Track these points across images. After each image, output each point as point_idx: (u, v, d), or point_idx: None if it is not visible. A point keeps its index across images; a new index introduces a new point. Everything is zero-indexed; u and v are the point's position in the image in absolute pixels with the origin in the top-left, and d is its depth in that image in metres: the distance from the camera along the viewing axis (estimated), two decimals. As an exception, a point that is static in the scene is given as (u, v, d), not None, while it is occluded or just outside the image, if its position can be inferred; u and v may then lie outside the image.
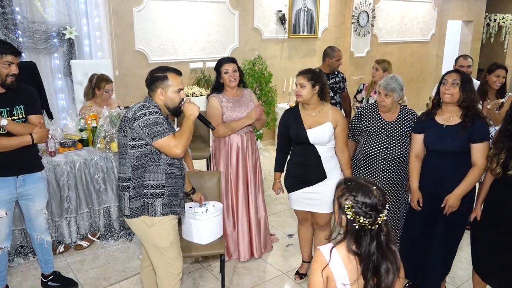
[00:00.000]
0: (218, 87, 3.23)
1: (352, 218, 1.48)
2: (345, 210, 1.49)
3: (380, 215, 1.47)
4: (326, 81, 2.88)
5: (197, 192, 2.87)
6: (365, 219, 1.46)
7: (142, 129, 2.15)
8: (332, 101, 4.24)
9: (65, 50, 4.72)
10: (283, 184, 3.07)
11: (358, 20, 7.19)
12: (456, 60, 4.13)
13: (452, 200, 2.54)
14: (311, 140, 2.80)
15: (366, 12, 7.28)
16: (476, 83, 4.11)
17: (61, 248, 3.45)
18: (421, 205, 2.69)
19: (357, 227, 1.48)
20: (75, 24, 4.70)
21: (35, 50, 4.54)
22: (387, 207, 1.49)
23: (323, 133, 2.78)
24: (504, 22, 10.59)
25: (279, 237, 3.81)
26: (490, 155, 2.44)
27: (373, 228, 1.47)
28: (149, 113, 2.16)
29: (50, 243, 2.98)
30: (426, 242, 2.72)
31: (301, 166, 2.88)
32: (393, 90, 2.87)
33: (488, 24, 10.70)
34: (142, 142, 2.20)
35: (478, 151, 2.49)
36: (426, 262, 2.74)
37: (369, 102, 4.11)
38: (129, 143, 2.20)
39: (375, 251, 1.47)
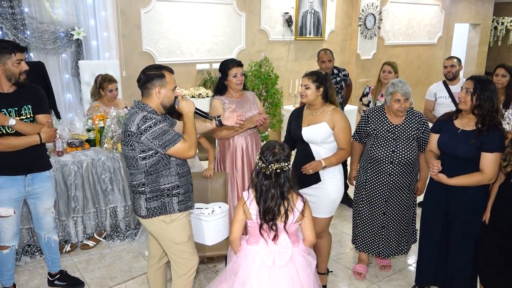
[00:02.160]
0: (222, 88, 3.23)
1: (257, 165, 2.17)
2: (257, 160, 2.17)
3: (272, 164, 2.11)
4: (331, 84, 2.86)
5: None
6: (262, 164, 2.14)
7: (152, 141, 2.17)
8: None
9: (73, 50, 4.75)
10: None
11: (365, 23, 7.18)
12: (444, 61, 4.32)
13: (442, 180, 2.55)
14: (305, 138, 2.81)
15: (373, 14, 7.26)
16: None
17: (67, 248, 3.47)
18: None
19: (258, 168, 2.17)
20: (83, 25, 4.74)
21: (44, 50, 4.57)
22: (285, 163, 2.13)
23: (316, 132, 2.77)
24: (512, 26, 10.53)
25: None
26: (504, 155, 2.43)
27: (266, 172, 2.14)
28: (153, 124, 2.17)
29: (57, 242, 3.00)
30: (444, 246, 2.71)
31: (298, 166, 2.82)
32: (410, 93, 2.92)
33: (495, 28, 10.64)
34: (152, 152, 2.23)
35: (487, 160, 2.46)
36: (450, 265, 2.71)
37: (377, 105, 4.10)
38: (139, 155, 2.23)
39: (265, 184, 2.14)
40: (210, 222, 2.85)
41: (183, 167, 2.38)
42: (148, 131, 2.16)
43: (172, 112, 2.41)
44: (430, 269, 2.81)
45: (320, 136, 2.77)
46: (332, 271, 3.21)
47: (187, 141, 2.23)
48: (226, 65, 3.17)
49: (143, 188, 2.28)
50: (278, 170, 2.13)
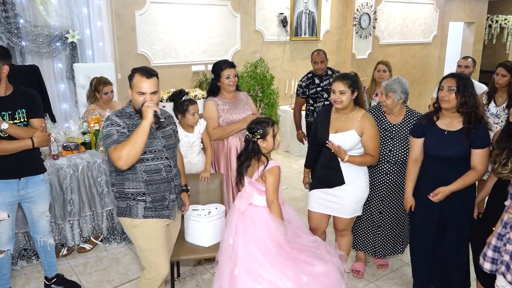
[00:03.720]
0: (215, 90, 3.21)
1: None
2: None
3: (250, 134, 2.45)
4: (361, 85, 2.77)
5: (185, 194, 2.66)
6: (248, 134, 2.47)
7: (103, 143, 2.24)
8: (326, 102, 4.21)
9: (68, 53, 4.75)
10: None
11: (359, 22, 7.20)
12: (459, 60, 4.17)
13: (442, 194, 2.52)
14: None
15: (368, 14, 7.29)
16: (479, 85, 4.11)
17: (64, 251, 3.46)
18: (413, 209, 2.70)
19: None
20: (77, 28, 4.73)
21: (38, 54, 4.56)
22: (258, 132, 2.43)
23: (345, 140, 2.66)
24: (506, 24, 10.57)
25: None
26: (493, 156, 2.41)
27: (249, 140, 2.47)
28: (105, 126, 2.21)
29: (53, 246, 2.99)
30: (436, 249, 2.69)
31: (323, 168, 2.81)
32: (393, 91, 2.85)
33: (490, 26, 10.69)
34: None
35: (478, 157, 2.45)
36: (444, 267, 2.71)
37: (372, 104, 4.11)
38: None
39: (246, 149, 2.50)
40: (207, 224, 2.84)
41: (154, 175, 2.28)
42: (102, 132, 2.23)
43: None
44: (426, 272, 2.78)
45: (348, 144, 2.66)
46: (349, 272, 3.20)
47: (117, 151, 2.09)
48: (219, 67, 3.15)
49: (113, 187, 2.35)
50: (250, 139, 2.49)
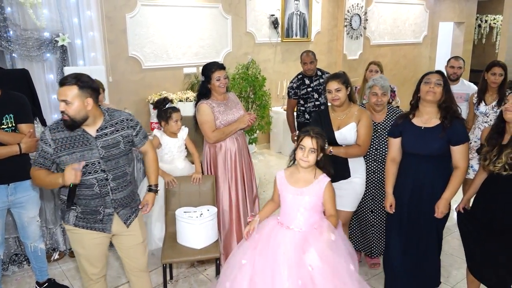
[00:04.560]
0: (206, 92, 3.17)
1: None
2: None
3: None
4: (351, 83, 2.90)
5: (150, 194, 2.48)
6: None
7: None
8: (317, 103, 4.24)
9: (58, 57, 4.72)
10: None
11: (350, 23, 7.24)
12: (448, 61, 4.17)
13: (443, 206, 2.52)
14: (339, 141, 2.78)
15: (359, 15, 7.33)
16: (470, 85, 4.16)
17: (55, 256, 3.44)
18: (393, 210, 2.68)
19: None
20: (67, 31, 4.70)
21: (28, 58, 4.53)
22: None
23: (349, 133, 2.77)
24: (495, 23, 10.69)
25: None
26: (484, 153, 2.43)
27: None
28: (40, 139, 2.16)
29: (44, 251, 2.97)
30: (411, 249, 2.68)
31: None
32: (388, 89, 2.95)
33: (479, 25, 10.80)
34: None
35: (459, 153, 2.47)
36: (415, 267, 2.70)
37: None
38: None
39: None
40: (199, 225, 2.84)
41: (82, 190, 2.16)
42: None
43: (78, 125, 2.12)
44: (399, 272, 2.75)
45: (353, 137, 2.77)
46: None
47: (32, 173, 2.18)
48: (209, 69, 3.13)
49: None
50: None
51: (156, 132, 3.32)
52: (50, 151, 2.11)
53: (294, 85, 4.31)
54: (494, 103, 3.63)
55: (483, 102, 3.69)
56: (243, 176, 3.29)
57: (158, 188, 2.53)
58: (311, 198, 2.25)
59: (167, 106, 3.27)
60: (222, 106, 3.18)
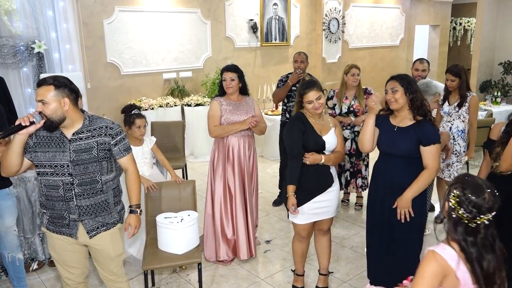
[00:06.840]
0: (221, 91, 3.43)
1: (453, 207, 1.55)
2: (450, 197, 1.56)
3: (481, 216, 1.50)
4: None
5: (131, 216, 2.35)
6: (464, 212, 1.51)
7: None
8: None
9: (35, 64, 4.66)
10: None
11: (329, 27, 7.34)
12: (413, 63, 4.21)
13: (402, 203, 2.52)
14: (327, 147, 2.73)
15: (336, 19, 7.44)
16: (438, 85, 4.26)
17: (34, 265, 3.37)
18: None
19: (454, 216, 1.54)
20: (44, 38, 4.66)
21: (3, 65, 4.47)
22: (493, 213, 1.52)
23: (333, 139, 2.77)
24: (469, 26, 10.98)
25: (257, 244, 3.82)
26: (494, 154, 2.50)
27: (469, 224, 1.52)
28: None
29: (22, 261, 2.92)
30: (387, 251, 2.70)
31: (316, 175, 2.75)
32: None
33: (454, 28, 11.07)
34: None
35: (429, 154, 2.49)
36: (397, 264, 2.70)
37: (343, 108, 4.20)
38: None
39: (472, 245, 1.52)
40: (180, 231, 2.84)
41: (50, 190, 2.15)
42: None
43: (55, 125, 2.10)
44: (380, 269, 2.80)
45: (334, 143, 2.78)
46: (332, 272, 3.24)
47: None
48: (222, 70, 3.41)
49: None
50: (482, 225, 1.54)
51: None
52: (31, 144, 2.13)
53: (284, 78, 4.49)
54: (455, 104, 3.82)
55: (447, 102, 3.89)
56: (242, 177, 3.40)
57: (141, 209, 2.40)
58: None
59: (133, 112, 3.40)
60: (231, 106, 3.34)
